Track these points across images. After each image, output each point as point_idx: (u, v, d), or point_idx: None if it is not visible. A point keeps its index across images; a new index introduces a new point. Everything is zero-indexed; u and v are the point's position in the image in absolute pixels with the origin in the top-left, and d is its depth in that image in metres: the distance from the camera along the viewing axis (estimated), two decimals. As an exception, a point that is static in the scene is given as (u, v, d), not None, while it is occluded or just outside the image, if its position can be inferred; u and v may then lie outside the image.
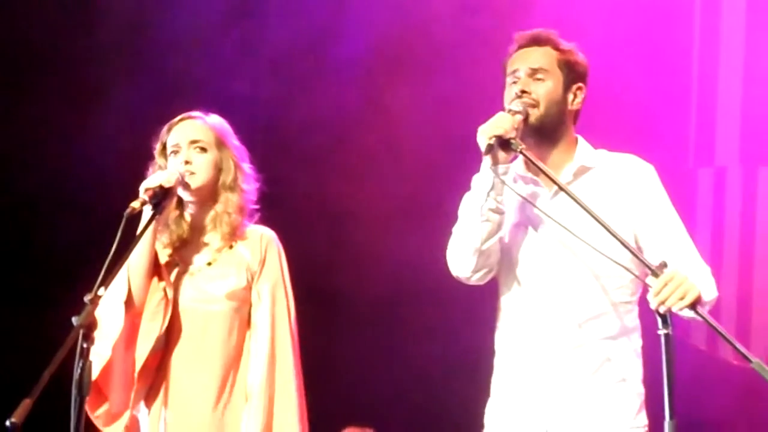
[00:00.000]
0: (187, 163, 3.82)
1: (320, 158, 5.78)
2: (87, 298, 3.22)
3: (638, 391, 3.49)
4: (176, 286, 3.82)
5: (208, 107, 4.00)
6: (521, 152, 3.35)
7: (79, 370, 3.17)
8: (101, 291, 3.26)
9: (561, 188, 3.35)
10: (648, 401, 3.49)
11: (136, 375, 3.75)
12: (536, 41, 3.53)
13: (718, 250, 5.47)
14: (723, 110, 5.55)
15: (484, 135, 3.31)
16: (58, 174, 5.67)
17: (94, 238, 4.23)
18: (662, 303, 3.11)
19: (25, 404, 2.99)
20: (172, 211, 3.86)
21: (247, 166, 3.94)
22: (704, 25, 5.60)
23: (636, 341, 3.50)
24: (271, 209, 3.96)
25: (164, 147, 3.89)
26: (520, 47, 3.54)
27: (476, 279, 3.48)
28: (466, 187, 3.53)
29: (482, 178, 3.40)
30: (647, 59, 5.53)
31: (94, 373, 3.38)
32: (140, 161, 3.95)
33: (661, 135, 5.44)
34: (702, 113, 5.60)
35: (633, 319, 3.49)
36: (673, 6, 5.59)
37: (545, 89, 3.47)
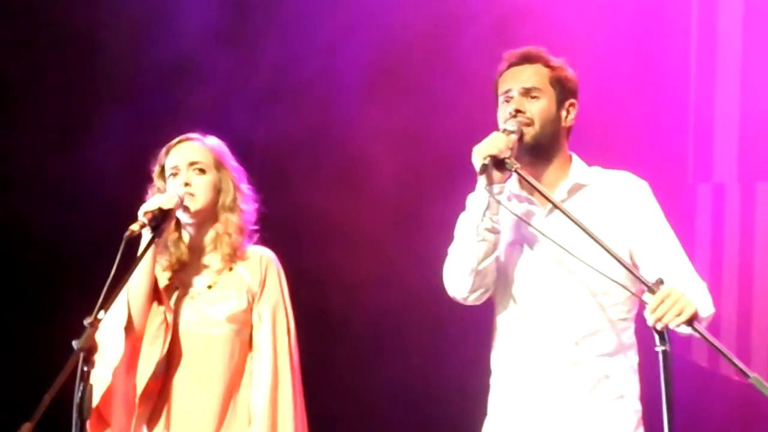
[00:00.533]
0: (186, 185, 3.82)
1: (315, 175, 5.79)
2: (87, 322, 3.20)
3: (635, 408, 3.49)
4: (176, 310, 3.81)
5: (201, 125, 4.02)
6: (516, 171, 3.35)
7: (79, 394, 3.15)
8: (101, 314, 3.23)
9: (556, 206, 3.35)
10: (645, 418, 3.50)
11: (137, 400, 3.75)
12: (527, 59, 3.53)
13: (717, 266, 5.46)
14: (721, 126, 5.54)
15: (479, 155, 3.32)
16: (58, 175, 5.68)
17: (94, 239, 4.25)
18: (659, 320, 3.11)
19: (26, 428, 2.98)
20: (170, 234, 3.87)
21: (245, 187, 3.95)
22: (701, 41, 5.60)
23: (633, 358, 3.50)
24: (264, 227, 3.97)
25: (163, 169, 3.90)
26: (511, 66, 3.54)
27: (473, 299, 3.48)
28: (462, 202, 3.53)
29: (477, 198, 3.40)
30: (645, 75, 5.53)
31: (95, 399, 3.37)
32: (141, 162, 3.96)
33: (660, 151, 5.44)
34: (700, 129, 5.59)
35: (630, 336, 3.49)
36: (670, 21, 5.59)
37: (539, 108, 3.47)
